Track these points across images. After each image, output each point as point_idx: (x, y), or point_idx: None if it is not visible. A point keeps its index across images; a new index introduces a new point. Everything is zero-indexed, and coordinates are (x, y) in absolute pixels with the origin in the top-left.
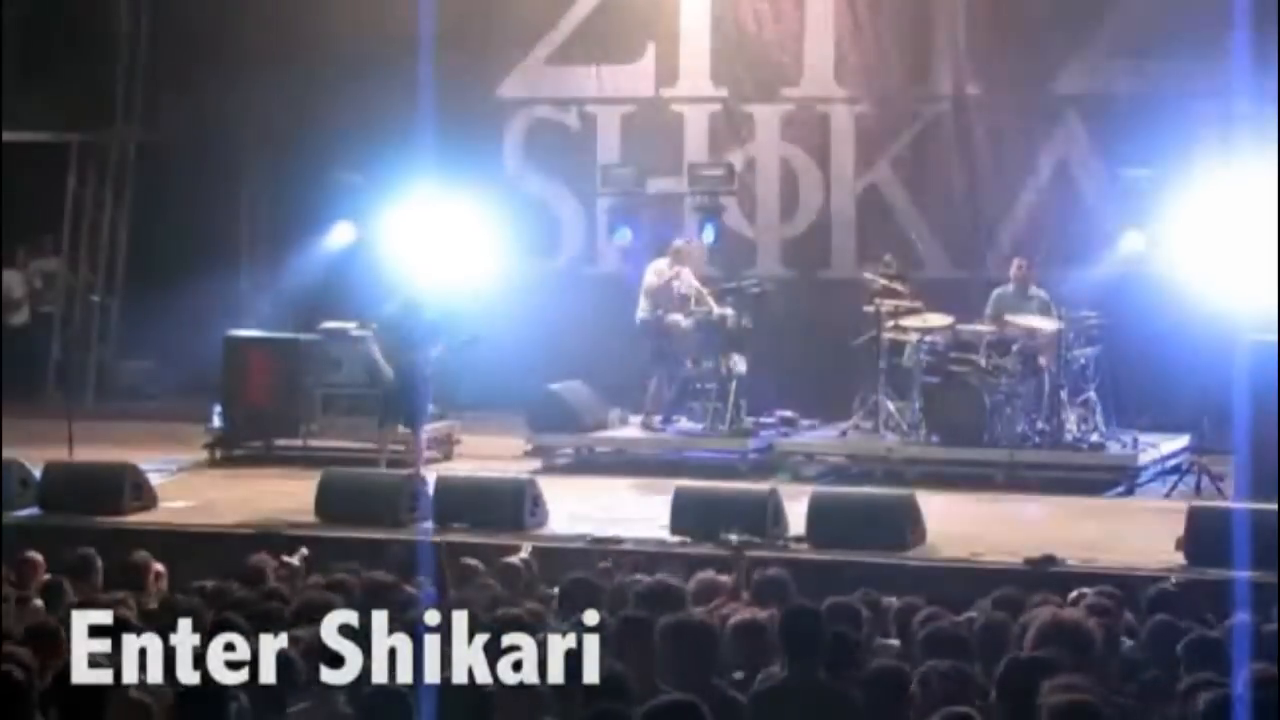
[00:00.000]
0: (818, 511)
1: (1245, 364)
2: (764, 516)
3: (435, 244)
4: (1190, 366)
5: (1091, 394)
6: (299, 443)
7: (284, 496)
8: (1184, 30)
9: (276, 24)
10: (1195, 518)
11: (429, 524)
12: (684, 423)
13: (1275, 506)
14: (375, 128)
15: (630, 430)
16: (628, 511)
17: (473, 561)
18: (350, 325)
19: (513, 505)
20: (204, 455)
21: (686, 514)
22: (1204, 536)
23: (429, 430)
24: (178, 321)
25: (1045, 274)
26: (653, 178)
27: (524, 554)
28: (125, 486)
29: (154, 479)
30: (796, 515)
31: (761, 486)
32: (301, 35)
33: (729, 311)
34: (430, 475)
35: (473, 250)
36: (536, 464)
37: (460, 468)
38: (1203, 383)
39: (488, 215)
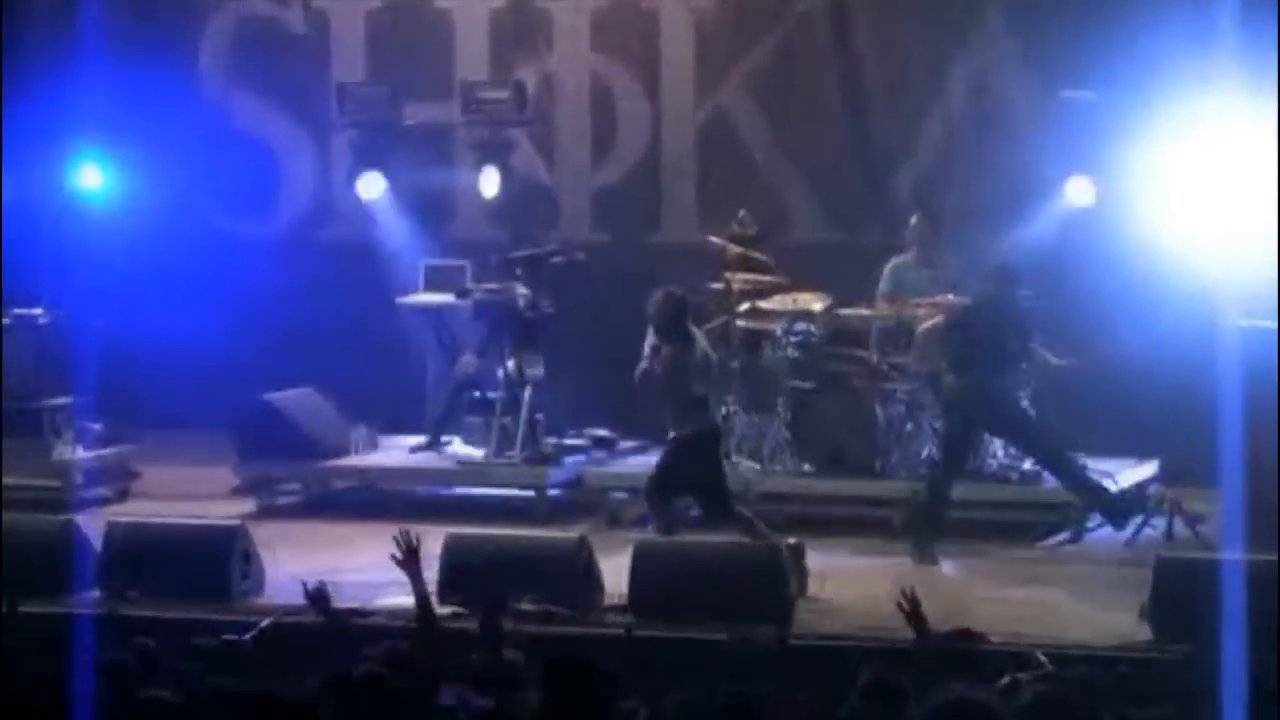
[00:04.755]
0: (645, 570)
1: (1233, 360)
2: (571, 576)
3: (96, 196)
4: (1159, 365)
5: (1024, 403)
6: None
7: None
8: None
9: None
10: (1166, 574)
11: (93, 593)
12: (459, 446)
13: (1276, 556)
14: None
15: (384, 456)
16: (379, 572)
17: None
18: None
19: (216, 564)
20: None
21: (462, 574)
22: (1177, 600)
23: (87, 458)
24: None
25: (958, 236)
26: (412, 102)
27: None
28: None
29: None
30: (615, 573)
31: (566, 535)
32: None
33: (521, 291)
34: (96, 521)
35: (155, 205)
36: (249, 505)
37: (140, 511)
38: (1176, 388)
39: (176, 156)
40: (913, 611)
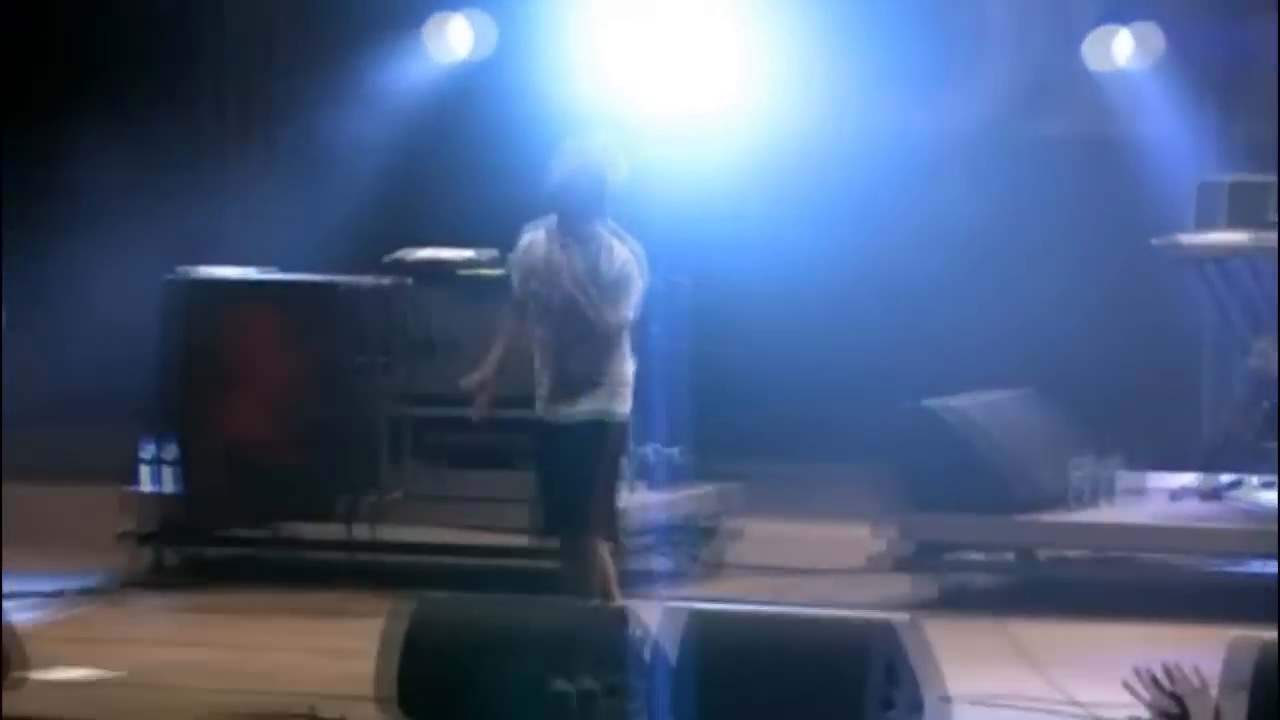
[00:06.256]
0: None
1: None
2: None
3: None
4: None
5: None
6: (341, 533)
7: (311, 656)
8: None
9: None
10: None
11: None
12: (1252, 490)
13: None
14: None
15: (1130, 508)
16: (1120, 694)
17: None
18: (462, 255)
19: (847, 687)
20: (130, 561)
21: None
22: None
23: (655, 503)
24: (95, 280)
25: None
26: None
27: None
28: None
29: (26, 623)
30: None
31: None
32: None
33: None
34: (654, 608)
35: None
36: (902, 587)
37: (734, 593)
38: None
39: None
40: None
